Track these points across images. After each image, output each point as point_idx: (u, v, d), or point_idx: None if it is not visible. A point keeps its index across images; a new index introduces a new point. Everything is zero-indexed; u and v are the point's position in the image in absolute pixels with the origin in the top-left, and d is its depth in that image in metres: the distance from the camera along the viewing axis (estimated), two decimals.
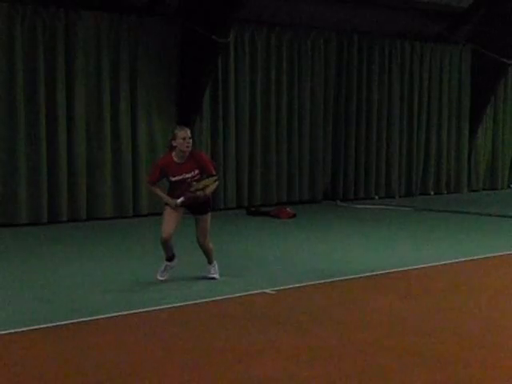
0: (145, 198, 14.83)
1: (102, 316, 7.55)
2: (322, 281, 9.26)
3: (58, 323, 7.27)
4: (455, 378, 5.89)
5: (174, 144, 8.76)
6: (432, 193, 19.73)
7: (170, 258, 9.08)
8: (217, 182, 8.91)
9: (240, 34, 16.05)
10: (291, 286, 8.95)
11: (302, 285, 9.05)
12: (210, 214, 9.01)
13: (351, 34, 17.86)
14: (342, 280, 9.38)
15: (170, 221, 8.83)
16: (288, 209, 15.42)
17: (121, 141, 14.53)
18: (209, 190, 8.78)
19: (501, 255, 11.19)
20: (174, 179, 8.80)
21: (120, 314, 7.65)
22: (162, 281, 8.99)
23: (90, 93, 14.17)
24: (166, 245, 8.91)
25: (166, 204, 8.93)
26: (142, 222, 14.40)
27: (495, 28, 19.23)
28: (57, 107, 13.74)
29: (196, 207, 8.89)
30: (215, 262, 9.25)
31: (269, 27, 16.49)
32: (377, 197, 18.58)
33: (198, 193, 8.67)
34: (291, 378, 5.86)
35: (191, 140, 8.77)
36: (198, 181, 8.75)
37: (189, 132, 8.79)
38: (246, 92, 16.28)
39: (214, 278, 9.15)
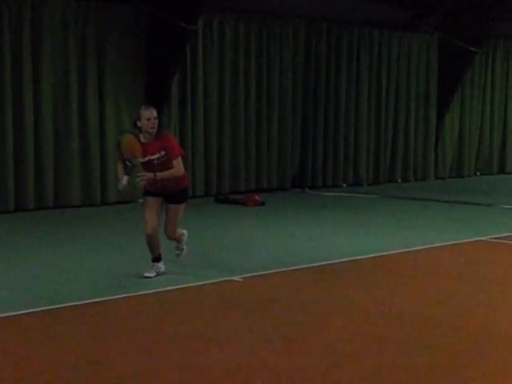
0: (113, 185, 14.76)
1: (66, 305, 7.52)
2: (290, 268, 9.30)
3: (19, 312, 7.23)
4: (419, 362, 5.96)
5: (139, 124, 8.39)
6: (399, 180, 19.86)
7: (157, 259, 8.67)
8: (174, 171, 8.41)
9: (208, 21, 16.00)
10: (259, 274, 8.98)
11: (269, 272, 9.09)
12: (183, 205, 8.60)
13: (320, 23, 17.88)
14: (309, 267, 9.42)
15: (150, 215, 8.48)
16: (256, 196, 15.44)
17: (88, 128, 14.42)
18: (161, 175, 8.32)
19: (466, 242, 11.30)
20: (140, 160, 8.43)
21: (85, 302, 7.62)
22: (149, 277, 8.54)
23: (57, 81, 14.04)
24: (152, 241, 8.52)
25: (144, 194, 8.65)
26: (109, 210, 14.35)
27: (463, 17, 19.36)
28: (23, 96, 13.59)
29: (168, 195, 8.50)
30: (185, 246, 8.97)
31: (237, 14, 16.46)
32: (345, 185, 18.67)
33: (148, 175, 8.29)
34: (261, 365, 5.89)
35: (157, 121, 8.40)
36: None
37: (154, 112, 8.40)
38: (214, 79, 16.25)
39: (178, 255, 8.99)
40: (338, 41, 18.24)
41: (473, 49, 19.66)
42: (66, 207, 14.17)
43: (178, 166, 8.41)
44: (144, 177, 8.33)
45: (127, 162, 8.47)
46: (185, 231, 8.96)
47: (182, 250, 9.02)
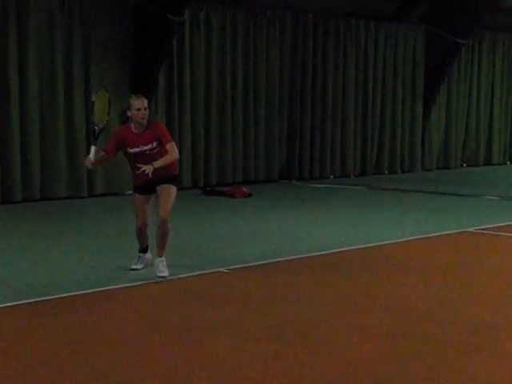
0: (100, 178, 14.77)
1: (54, 297, 7.52)
2: (277, 259, 9.33)
3: (6, 304, 7.22)
4: (403, 352, 6.01)
5: (129, 114, 8.17)
6: (386, 172, 19.92)
7: (144, 250, 8.62)
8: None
9: (195, 13, 15.98)
10: (246, 265, 9.00)
11: (256, 263, 9.10)
12: (174, 188, 8.32)
13: (306, 14, 17.88)
14: (296, 258, 9.45)
15: (141, 210, 8.35)
16: (244, 188, 15.46)
17: (75, 120, 14.40)
18: (158, 163, 7.99)
19: (452, 233, 11.37)
20: (131, 151, 8.19)
21: (73, 294, 7.62)
22: (137, 269, 8.46)
23: (43, 73, 14.00)
24: (141, 235, 8.47)
25: (134, 191, 8.49)
26: (96, 202, 14.34)
27: (449, 8, 19.41)
28: (8, 88, 13.54)
29: (158, 182, 8.18)
30: (164, 258, 8.29)
31: (224, 6, 16.44)
32: (332, 176, 18.71)
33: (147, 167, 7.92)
34: (247, 356, 5.92)
35: (147, 111, 8.17)
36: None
37: (145, 102, 8.17)
38: (201, 71, 16.24)
39: (163, 277, 8.18)
40: (325, 33, 18.25)
41: (459, 40, 19.72)
42: (52, 199, 14.14)
43: (173, 151, 8.16)
44: (144, 170, 7.96)
45: (95, 127, 8.22)
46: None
47: (163, 261, 8.28)
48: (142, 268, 8.60)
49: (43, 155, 14.10)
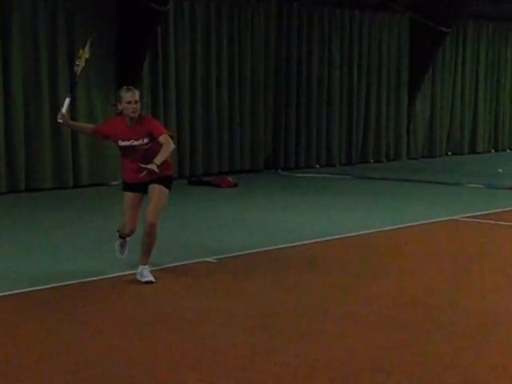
0: (85, 169, 14.73)
1: (41, 287, 7.51)
2: (264, 249, 9.34)
3: None
4: (394, 340, 6.04)
5: (119, 107, 7.61)
6: (372, 161, 19.95)
7: (124, 236, 8.11)
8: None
9: (179, 3, 15.93)
10: (233, 255, 9.01)
11: (244, 253, 9.12)
12: (167, 190, 7.73)
13: (291, 3, 17.86)
14: (283, 248, 9.46)
15: (130, 215, 7.76)
16: (229, 178, 15.45)
17: (59, 112, 14.28)
18: (159, 159, 7.37)
19: (438, 221, 11.41)
20: (121, 144, 7.65)
21: (60, 284, 7.61)
22: (122, 258, 8.19)
23: (27, 64, 13.92)
24: (128, 235, 8.03)
25: (124, 189, 7.86)
26: (82, 192, 14.30)
27: None
28: None
29: (150, 181, 7.63)
30: (148, 266, 7.79)
31: None
32: (318, 165, 18.73)
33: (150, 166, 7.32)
34: (233, 345, 5.93)
35: (138, 104, 7.57)
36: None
37: (137, 95, 7.60)
38: (186, 62, 16.19)
39: (151, 282, 7.61)
40: (310, 22, 18.22)
41: (444, 29, 19.74)
42: (37, 190, 14.09)
43: (168, 142, 7.50)
44: (149, 169, 7.31)
45: (76, 79, 7.94)
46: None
47: (146, 269, 7.77)
48: (126, 256, 8.23)
49: (28, 145, 14.02)
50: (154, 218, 7.63)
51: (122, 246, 8.28)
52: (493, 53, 22.98)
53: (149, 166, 7.31)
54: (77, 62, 8.06)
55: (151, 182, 7.64)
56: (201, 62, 16.43)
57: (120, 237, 8.21)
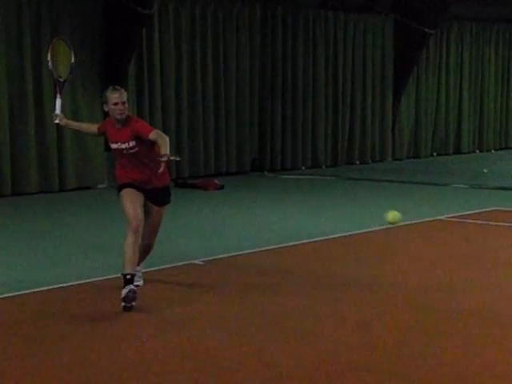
0: (71, 173, 14.70)
1: (29, 291, 7.50)
2: (249, 251, 9.36)
3: None
4: (381, 340, 6.07)
5: (106, 109, 7.24)
6: (357, 162, 20.01)
7: (130, 280, 6.95)
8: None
9: (164, 6, 15.94)
10: (219, 257, 9.01)
11: (230, 255, 9.13)
12: (164, 211, 7.46)
13: (275, 6, 17.90)
14: (269, 249, 9.48)
15: (133, 207, 7.12)
16: (216, 180, 15.46)
17: (44, 114, 14.29)
18: (166, 153, 6.80)
19: (424, 221, 11.46)
20: (112, 146, 7.29)
21: (46, 288, 7.61)
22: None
23: (11, 66, 13.90)
24: (138, 238, 7.11)
25: (121, 187, 7.29)
26: (68, 196, 14.27)
27: None
28: None
29: (151, 191, 7.29)
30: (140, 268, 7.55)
31: None
32: (303, 167, 18.78)
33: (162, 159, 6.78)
34: (219, 348, 5.94)
35: (126, 105, 7.16)
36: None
37: (124, 96, 7.18)
38: (171, 64, 16.20)
39: (138, 286, 7.20)
40: (294, 24, 18.28)
41: (427, 30, 19.83)
42: (23, 194, 14.06)
43: (160, 136, 7.01)
44: (166, 159, 6.74)
45: (59, 79, 7.71)
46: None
47: (139, 271, 7.58)
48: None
49: (13, 149, 13.99)
50: (154, 241, 7.61)
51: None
52: (476, 53, 23.11)
53: (164, 156, 6.73)
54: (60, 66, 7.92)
55: (151, 195, 7.32)
56: (186, 64, 16.44)
57: (126, 280, 6.92)
